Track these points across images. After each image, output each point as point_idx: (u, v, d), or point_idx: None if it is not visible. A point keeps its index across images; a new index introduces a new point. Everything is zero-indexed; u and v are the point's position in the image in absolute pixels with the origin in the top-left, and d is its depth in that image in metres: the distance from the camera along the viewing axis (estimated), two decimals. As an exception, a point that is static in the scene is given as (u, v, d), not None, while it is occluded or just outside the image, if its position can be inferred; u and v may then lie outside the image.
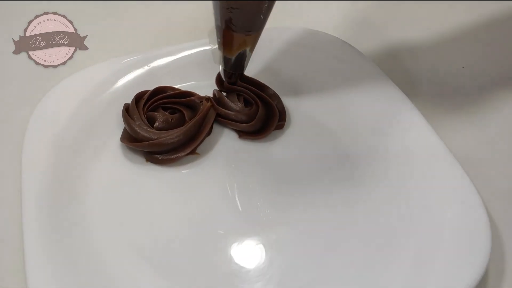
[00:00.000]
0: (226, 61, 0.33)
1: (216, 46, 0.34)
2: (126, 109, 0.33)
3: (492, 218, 0.28)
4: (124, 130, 0.33)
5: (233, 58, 0.33)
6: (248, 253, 0.28)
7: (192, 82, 0.37)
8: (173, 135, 0.32)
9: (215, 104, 0.34)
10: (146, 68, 0.37)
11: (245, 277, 0.27)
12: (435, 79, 0.39)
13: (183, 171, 0.32)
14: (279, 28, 0.39)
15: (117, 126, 0.34)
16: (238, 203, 0.31)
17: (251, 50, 0.33)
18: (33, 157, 0.30)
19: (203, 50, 0.38)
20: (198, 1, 0.43)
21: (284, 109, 0.35)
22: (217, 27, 0.31)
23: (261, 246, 0.28)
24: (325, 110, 0.35)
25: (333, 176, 0.32)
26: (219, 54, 0.33)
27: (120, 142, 0.33)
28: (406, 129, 0.32)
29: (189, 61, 0.38)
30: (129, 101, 0.34)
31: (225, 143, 0.34)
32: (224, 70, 0.34)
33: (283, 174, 0.32)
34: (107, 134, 0.33)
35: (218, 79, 0.36)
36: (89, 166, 0.32)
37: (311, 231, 0.29)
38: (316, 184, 0.31)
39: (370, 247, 0.28)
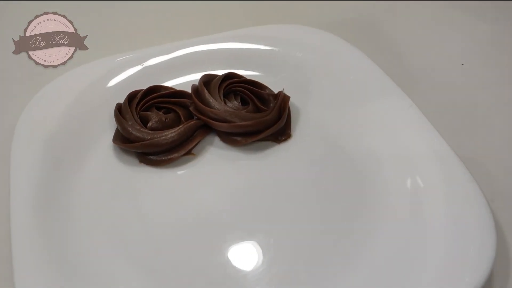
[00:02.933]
0: None
1: None
2: (119, 109, 0.32)
3: (496, 218, 0.27)
4: (117, 131, 0.32)
5: None
6: (246, 256, 0.27)
7: (186, 81, 0.36)
8: (167, 136, 0.31)
9: (202, 106, 0.32)
10: (140, 67, 0.36)
11: (243, 281, 0.26)
12: (435, 78, 0.38)
13: (178, 172, 0.31)
14: (278, 26, 0.39)
15: (109, 126, 0.33)
16: (235, 206, 0.29)
17: None
18: (21, 159, 0.29)
19: (198, 48, 0.38)
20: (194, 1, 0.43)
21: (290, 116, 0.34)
22: None
23: (259, 249, 0.27)
24: (328, 114, 0.34)
25: (337, 179, 0.31)
26: None
27: (112, 143, 0.32)
28: (409, 132, 0.31)
29: (183, 60, 0.37)
30: (121, 100, 0.33)
31: (222, 143, 0.33)
32: None
33: (283, 176, 0.31)
34: (99, 135, 0.32)
35: (195, 91, 0.33)
36: (80, 168, 0.31)
37: (311, 234, 0.28)
38: (318, 187, 0.30)
39: (372, 248, 0.27)
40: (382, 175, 0.30)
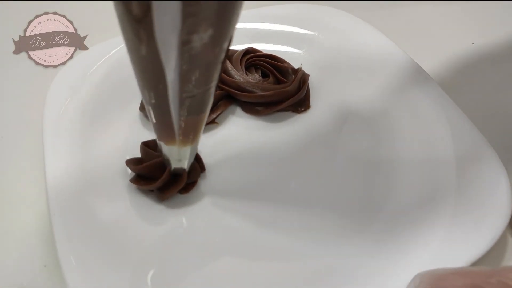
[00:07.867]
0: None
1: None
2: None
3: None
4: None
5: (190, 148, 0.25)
6: (267, 230, 0.28)
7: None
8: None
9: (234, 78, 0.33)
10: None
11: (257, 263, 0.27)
12: (445, 57, 0.39)
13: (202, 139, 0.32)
14: (293, 5, 0.40)
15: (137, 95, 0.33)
16: (257, 172, 0.31)
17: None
18: (54, 141, 0.29)
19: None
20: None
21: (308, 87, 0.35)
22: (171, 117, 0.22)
23: (280, 221, 0.28)
24: (345, 87, 0.35)
25: (353, 146, 0.32)
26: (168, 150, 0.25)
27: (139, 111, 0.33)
28: (425, 99, 0.32)
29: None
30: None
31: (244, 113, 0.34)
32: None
33: (303, 144, 0.32)
34: (129, 102, 0.33)
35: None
36: (109, 136, 0.32)
37: (329, 202, 0.29)
38: (336, 154, 0.31)
39: (386, 212, 0.28)
40: (398, 142, 0.32)
